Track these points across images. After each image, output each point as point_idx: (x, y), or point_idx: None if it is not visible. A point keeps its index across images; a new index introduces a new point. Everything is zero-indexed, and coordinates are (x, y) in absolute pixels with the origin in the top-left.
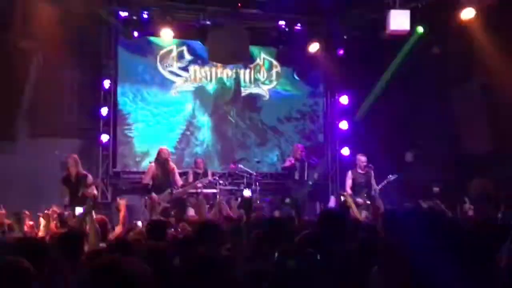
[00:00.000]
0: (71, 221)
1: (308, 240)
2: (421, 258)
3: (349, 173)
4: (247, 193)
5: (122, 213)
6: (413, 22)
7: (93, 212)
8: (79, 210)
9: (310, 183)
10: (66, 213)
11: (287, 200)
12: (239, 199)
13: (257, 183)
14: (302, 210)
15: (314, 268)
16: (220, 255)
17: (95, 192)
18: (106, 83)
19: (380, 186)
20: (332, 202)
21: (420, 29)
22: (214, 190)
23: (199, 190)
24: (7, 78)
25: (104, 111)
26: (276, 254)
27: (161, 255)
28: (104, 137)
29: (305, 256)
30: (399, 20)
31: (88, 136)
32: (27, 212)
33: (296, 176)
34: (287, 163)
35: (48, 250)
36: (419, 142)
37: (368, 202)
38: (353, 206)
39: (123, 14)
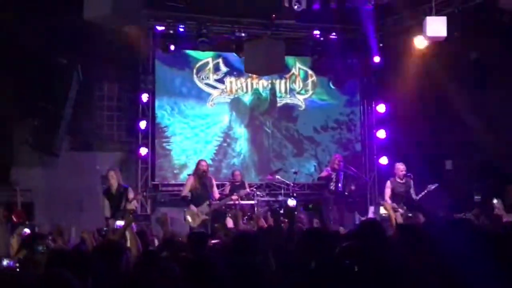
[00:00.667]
0: (111, 235)
1: (347, 252)
2: (461, 270)
3: (388, 183)
4: (291, 202)
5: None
6: (450, 28)
7: (133, 225)
8: (119, 223)
9: (346, 193)
10: (104, 228)
11: (310, 206)
12: (276, 208)
13: (294, 194)
14: (327, 218)
15: (350, 280)
16: (258, 265)
17: (136, 205)
18: (144, 97)
19: (420, 196)
20: (371, 212)
21: (455, 35)
22: (252, 202)
23: (236, 202)
24: (48, 93)
25: (142, 124)
26: (313, 265)
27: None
28: (143, 150)
29: (342, 267)
30: (435, 27)
31: (127, 150)
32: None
33: (332, 187)
34: (324, 173)
35: (90, 261)
36: (458, 150)
37: (408, 212)
38: (393, 216)
39: (160, 28)
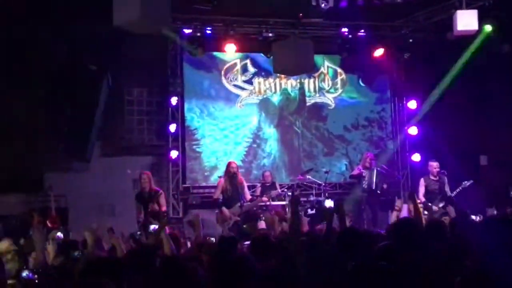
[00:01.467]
0: (144, 239)
1: (383, 253)
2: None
3: (422, 181)
4: (329, 203)
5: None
6: (481, 21)
7: (167, 228)
8: (153, 226)
9: (379, 192)
10: (138, 232)
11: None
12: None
13: (326, 194)
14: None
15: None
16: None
17: (165, 207)
18: (174, 100)
19: (454, 193)
20: (404, 211)
21: (488, 28)
22: (283, 202)
23: (267, 203)
24: (79, 99)
25: (172, 127)
26: (349, 267)
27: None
28: (174, 153)
29: (380, 268)
30: (466, 20)
31: (158, 153)
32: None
33: (364, 185)
34: (355, 172)
35: (125, 267)
36: (492, 145)
37: (443, 209)
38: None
39: (187, 31)
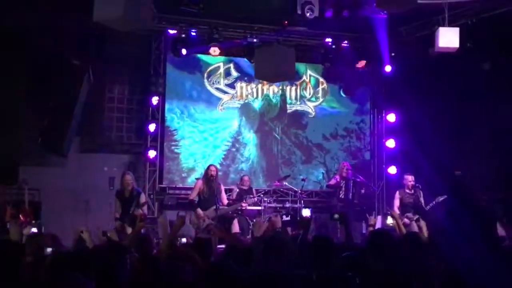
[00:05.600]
0: (113, 235)
1: (348, 262)
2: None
3: (397, 193)
4: (306, 212)
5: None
6: (463, 39)
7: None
8: (129, 230)
9: (356, 202)
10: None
11: (336, 216)
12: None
13: (302, 201)
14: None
15: None
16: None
17: (145, 211)
18: (154, 100)
19: (428, 207)
20: (378, 222)
21: (469, 46)
22: (259, 208)
23: (243, 207)
24: (59, 93)
25: (152, 127)
26: (314, 277)
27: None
28: (152, 153)
29: (344, 279)
30: (448, 38)
31: (136, 152)
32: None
33: (342, 195)
34: (333, 181)
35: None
36: (468, 161)
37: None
38: (400, 225)
39: (172, 32)
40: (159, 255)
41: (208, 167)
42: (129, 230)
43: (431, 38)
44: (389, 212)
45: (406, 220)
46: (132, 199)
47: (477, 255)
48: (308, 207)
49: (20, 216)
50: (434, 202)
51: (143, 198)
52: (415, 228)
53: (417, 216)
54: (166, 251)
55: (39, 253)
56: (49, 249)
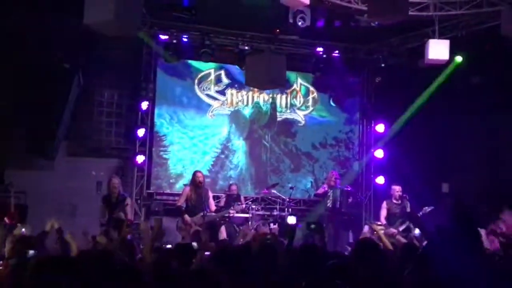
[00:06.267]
0: (102, 239)
1: (337, 271)
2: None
3: (384, 203)
4: (291, 220)
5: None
6: (453, 52)
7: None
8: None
9: (343, 210)
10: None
11: (312, 226)
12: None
13: (290, 209)
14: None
15: None
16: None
17: (131, 217)
18: (144, 105)
19: None
20: (365, 231)
21: (458, 59)
22: (247, 215)
23: (231, 214)
24: (48, 96)
25: (141, 132)
26: (304, 284)
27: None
28: (140, 158)
29: (332, 287)
30: (438, 50)
31: (124, 157)
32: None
33: (329, 204)
34: (321, 190)
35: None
36: (454, 173)
37: (403, 232)
38: (383, 236)
39: (163, 37)
40: (143, 260)
41: (195, 174)
42: (115, 235)
43: (421, 49)
44: (368, 223)
45: (392, 230)
46: (118, 204)
47: (466, 268)
48: (294, 215)
49: (5, 218)
50: (421, 213)
51: (128, 201)
52: (401, 239)
53: (403, 227)
54: (148, 256)
55: (22, 255)
56: (31, 252)
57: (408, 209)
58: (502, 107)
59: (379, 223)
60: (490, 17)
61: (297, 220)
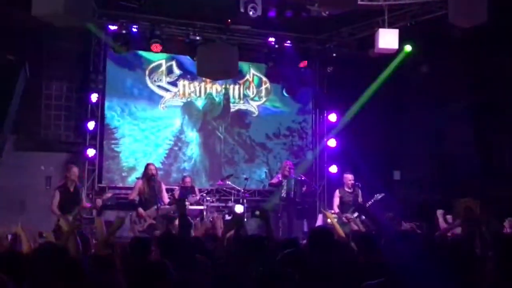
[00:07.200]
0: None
1: (288, 259)
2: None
3: (337, 192)
4: (239, 208)
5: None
6: (402, 41)
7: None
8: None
9: (297, 200)
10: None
11: (257, 213)
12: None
13: (245, 200)
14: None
15: None
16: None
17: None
18: (94, 97)
19: (367, 205)
20: (319, 220)
21: (408, 48)
22: (201, 207)
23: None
24: None
25: (91, 125)
26: (254, 273)
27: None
28: (91, 152)
29: (283, 276)
30: (387, 39)
31: (74, 150)
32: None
33: (283, 193)
34: (275, 180)
35: (28, 263)
36: (405, 161)
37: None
38: (336, 225)
39: (113, 28)
40: (96, 254)
41: (147, 166)
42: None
43: (372, 39)
44: (322, 211)
45: (345, 218)
46: (76, 194)
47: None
48: (241, 204)
49: None
50: (372, 200)
51: (84, 194)
52: (354, 226)
53: (356, 215)
54: (102, 250)
55: None
56: None
57: (360, 198)
58: (450, 96)
59: (332, 211)
60: (438, 7)
61: (244, 209)
